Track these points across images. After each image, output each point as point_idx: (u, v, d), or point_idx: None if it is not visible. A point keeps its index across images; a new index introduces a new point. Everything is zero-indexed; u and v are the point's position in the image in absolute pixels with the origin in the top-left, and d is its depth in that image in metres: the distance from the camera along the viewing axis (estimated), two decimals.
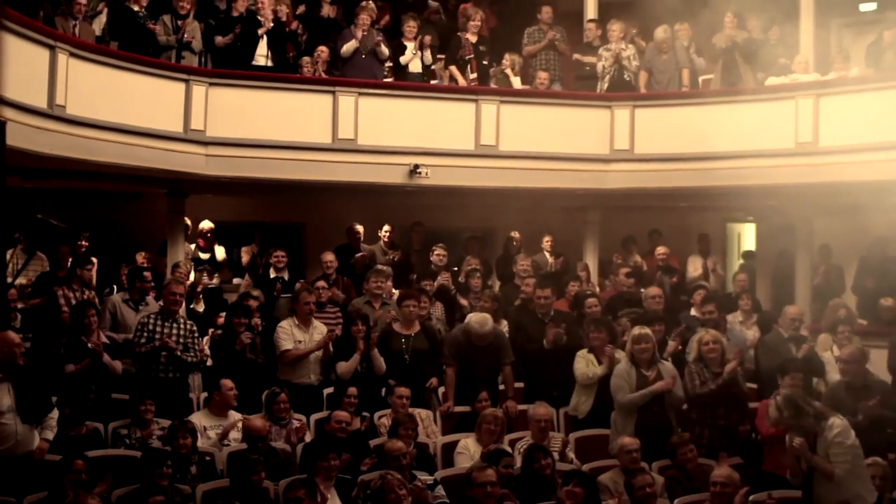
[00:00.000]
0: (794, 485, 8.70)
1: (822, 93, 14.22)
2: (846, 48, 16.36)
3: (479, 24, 16.27)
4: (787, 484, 9.18)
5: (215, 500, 8.32)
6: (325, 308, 12.62)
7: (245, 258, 15.90)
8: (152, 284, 12.60)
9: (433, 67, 16.37)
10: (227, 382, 10.56)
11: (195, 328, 11.36)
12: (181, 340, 11.03)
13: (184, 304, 12.00)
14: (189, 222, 15.34)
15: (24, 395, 8.76)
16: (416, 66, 16.01)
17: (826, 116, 14.05)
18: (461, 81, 15.93)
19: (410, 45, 15.95)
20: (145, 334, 10.97)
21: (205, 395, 11.34)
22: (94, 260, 13.66)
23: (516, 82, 16.27)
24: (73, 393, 10.16)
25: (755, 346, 12.37)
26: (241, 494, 8.36)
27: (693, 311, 13.17)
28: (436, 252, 14.71)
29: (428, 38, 16.08)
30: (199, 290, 13.50)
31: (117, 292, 12.87)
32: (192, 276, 14.21)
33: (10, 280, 12.05)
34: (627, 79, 15.97)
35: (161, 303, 11.63)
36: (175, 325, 11.10)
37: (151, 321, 11.08)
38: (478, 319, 11.59)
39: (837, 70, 14.86)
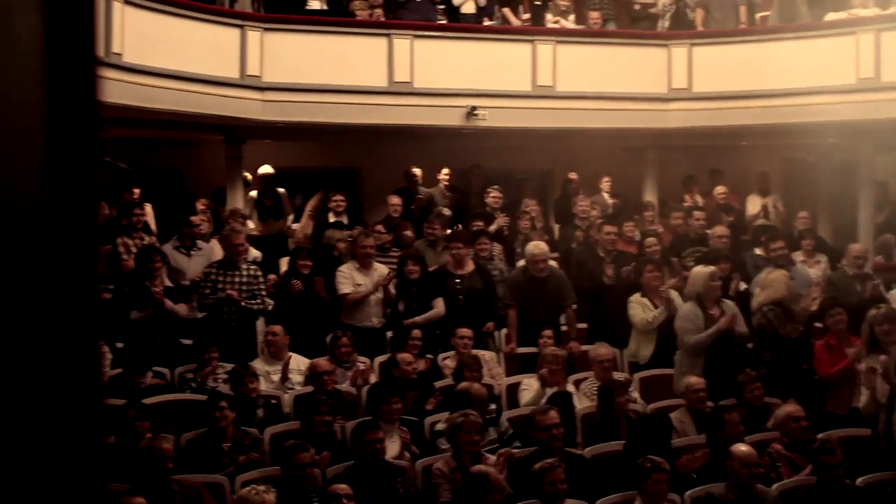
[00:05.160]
0: (867, 418, 8.61)
1: (884, 28, 13.98)
2: None
3: None
4: (848, 424, 9.15)
5: (283, 442, 8.34)
6: (388, 252, 12.62)
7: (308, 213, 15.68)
8: (202, 230, 12.66)
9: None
10: (275, 328, 10.59)
11: (259, 273, 11.33)
12: (244, 288, 11.02)
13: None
14: (247, 175, 15.37)
15: None
16: (469, 8, 15.85)
17: (888, 51, 13.81)
18: (513, 21, 15.79)
19: None
20: (209, 285, 10.99)
21: None
22: (148, 206, 13.70)
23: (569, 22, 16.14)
24: (139, 340, 10.20)
25: (822, 284, 12.23)
26: (309, 436, 8.38)
27: (757, 250, 13.06)
28: (491, 194, 14.66)
29: None
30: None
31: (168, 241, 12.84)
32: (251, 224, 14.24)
33: None
34: (691, 18, 15.82)
35: (222, 252, 11.65)
36: (237, 273, 11.09)
37: (214, 272, 11.07)
38: (533, 245, 11.67)
39: None
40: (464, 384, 9.40)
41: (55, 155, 1.49)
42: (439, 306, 11.46)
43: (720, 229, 13.02)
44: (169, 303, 10.82)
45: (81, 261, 1.53)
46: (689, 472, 8.25)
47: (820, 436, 8.60)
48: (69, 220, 1.52)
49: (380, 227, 13.05)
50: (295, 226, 15.56)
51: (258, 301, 11.11)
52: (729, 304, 10.70)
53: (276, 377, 10.31)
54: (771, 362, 10.42)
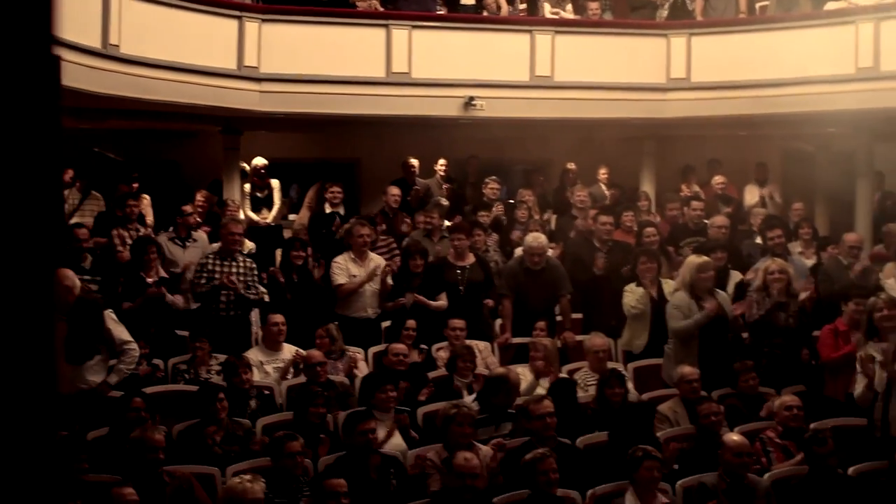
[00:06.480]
0: (862, 406, 8.62)
1: (883, 17, 13.91)
2: None
3: None
4: (847, 409, 9.14)
5: (275, 432, 8.33)
6: (376, 242, 12.56)
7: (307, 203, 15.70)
8: (198, 220, 12.65)
9: None
10: (275, 317, 10.57)
11: (254, 266, 11.30)
12: (241, 279, 10.99)
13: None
14: (245, 165, 15.37)
15: (72, 335, 8.53)
16: None
17: (887, 41, 13.74)
18: (504, 10, 15.75)
19: None
20: (204, 274, 10.97)
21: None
22: (147, 197, 13.70)
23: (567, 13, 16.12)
24: (133, 331, 10.13)
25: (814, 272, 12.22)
26: (302, 427, 8.38)
27: (757, 239, 13.04)
28: (489, 185, 14.65)
29: None
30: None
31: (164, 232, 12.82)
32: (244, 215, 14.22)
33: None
34: (691, 9, 15.78)
35: (219, 242, 11.63)
36: (234, 263, 11.06)
37: (210, 261, 11.04)
38: (532, 237, 11.63)
39: None
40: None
41: (5, 139, 1.47)
42: (443, 300, 11.46)
43: (720, 219, 12.99)
44: (169, 296, 10.81)
45: (39, 250, 1.51)
46: (669, 463, 8.22)
47: (812, 425, 8.60)
48: (25, 206, 1.49)
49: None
50: (292, 216, 15.60)
51: (254, 291, 11.11)
52: (724, 296, 10.66)
53: (269, 368, 10.30)
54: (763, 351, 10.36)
